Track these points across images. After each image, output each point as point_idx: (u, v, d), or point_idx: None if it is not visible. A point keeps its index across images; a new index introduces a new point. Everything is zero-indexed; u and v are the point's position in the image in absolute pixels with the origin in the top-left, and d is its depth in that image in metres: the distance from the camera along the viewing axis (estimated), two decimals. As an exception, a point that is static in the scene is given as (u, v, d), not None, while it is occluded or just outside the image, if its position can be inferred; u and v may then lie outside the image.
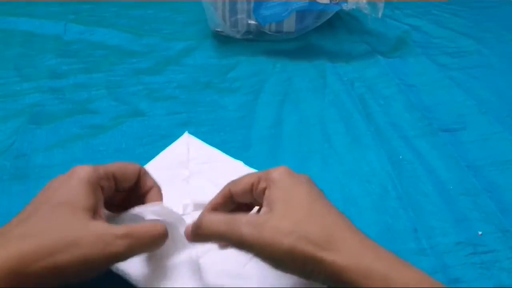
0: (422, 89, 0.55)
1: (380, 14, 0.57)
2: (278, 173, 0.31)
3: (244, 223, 0.28)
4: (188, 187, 0.41)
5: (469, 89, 0.55)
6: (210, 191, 0.39)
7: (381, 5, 0.56)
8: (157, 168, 0.42)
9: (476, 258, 0.36)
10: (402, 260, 0.27)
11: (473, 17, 0.70)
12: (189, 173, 0.42)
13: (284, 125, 0.50)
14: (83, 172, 0.30)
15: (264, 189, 0.30)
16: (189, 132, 0.47)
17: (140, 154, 0.45)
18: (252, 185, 0.32)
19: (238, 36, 0.62)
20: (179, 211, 0.38)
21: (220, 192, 0.34)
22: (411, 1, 0.74)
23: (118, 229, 0.28)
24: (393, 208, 0.41)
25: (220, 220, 0.29)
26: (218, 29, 0.63)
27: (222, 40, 0.63)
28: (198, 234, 0.30)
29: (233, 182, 0.33)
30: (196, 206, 0.39)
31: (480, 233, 0.38)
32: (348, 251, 0.26)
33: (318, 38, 0.64)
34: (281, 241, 0.26)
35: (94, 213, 0.29)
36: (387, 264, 0.26)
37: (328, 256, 0.26)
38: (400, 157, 0.45)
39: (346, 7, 0.56)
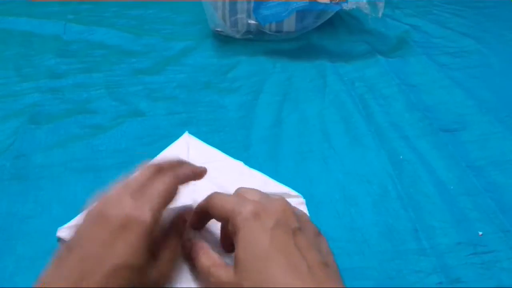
0: (422, 89, 0.55)
1: (380, 14, 0.57)
2: (242, 219, 0.28)
3: (212, 281, 0.29)
4: (188, 187, 0.40)
5: (469, 89, 0.55)
6: (210, 191, 0.39)
7: (381, 5, 0.56)
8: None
9: (477, 258, 0.36)
10: None
11: (473, 17, 0.70)
12: (189, 173, 0.41)
13: (284, 125, 0.50)
14: (142, 227, 0.27)
15: (234, 233, 0.29)
16: (189, 132, 0.47)
17: (140, 154, 0.45)
18: (223, 219, 0.31)
19: (238, 36, 0.62)
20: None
21: (200, 208, 0.33)
22: (412, 1, 0.74)
23: None
24: (393, 208, 0.40)
25: (202, 266, 0.30)
26: (218, 29, 0.63)
27: (222, 40, 0.63)
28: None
29: (208, 202, 0.32)
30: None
31: (480, 233, 0.38)
32: None
33: (318, 38, 0.64)
34: None
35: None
36: None
37: None
38: (401, 157, 0.45)
39: (346, 6, 0.56)
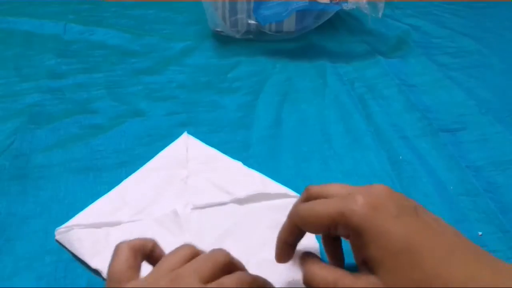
0: (422, 89, 0.55)
1: (380, 14, 0.56)
2: (359, 218, 0.25)
3: None
4: (186, 187, 0.40)
5: (469, 89, 0.55)
6: (209, 191, 0.39)
7: (381, 5, 0.56)
8: (156, 168, 0.42)
9: (476, 258, 0.36)
10: None
11: (473, 17, 0.70)
12: (188, 173, 0.42)
13: (284, 125, 0.50)
14: None
15: (348, 235, 0.26)
16: (189, 132, 0.47)
17: (139, 154, 0.45)
18: (328, 227, 0.27)
19: (238, 36, 0.62)
20: (178, 211, 0.38)
21: (286, 228, 0.29)
22: (412, 1, 0.74)
23: None
24: (393, 208, 0.40)
25: (325, 283, 0.26)
26: (218, 29, 0.63)
27: (222, 40, 0.63)
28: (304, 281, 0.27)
29: (299, 217, 0.28)
30: (195, 206, 0.39)
31: (480, 233, 0.38)
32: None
33: (318, 38, 0.64)
34: None
35: None
36: None
37: None
38: (400, 157, 0.45)
39: (346, 7, 0.56)
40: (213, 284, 0.24)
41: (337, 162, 0.45)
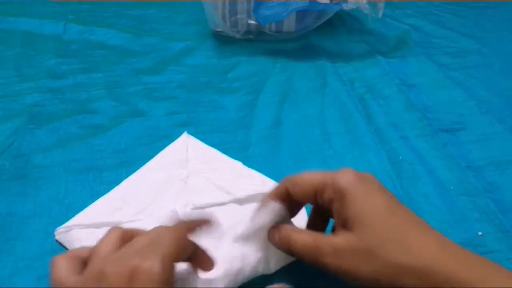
0: (422, 89, 0.55)
1: (380, 14, 0.56)
2: (346, 182, 0.28)
3: (326, 253, 0.28)
4: (186, 187, 0.40)
5: (469, 89, 0.55)
6: (209, 192, 0.39)
7: (381, 5, 0.56)
8: (156, 168, 0.42)
9: (476, 258, 0.36)
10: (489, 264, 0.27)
11: (473, 17, 0.70)
12: (188, 173, 0.42)
13: (284, 125, 0.50)
14: (151, 278, 0.23)
15: (331, 200, 0.29)
16: (189, 132, 0.47)
17: (139, 154, 0.45)
18: (315, 191, 0.30)
19: (238, 36, 0.62)
20: (177, 211, 0.38)
21: (277, 190, 0.32)
22: (412, 1, 0.73)
23: None
24: (393, 208, 0.40)
25: (305, 245, 0.29)
26: (218, 29, 0.63)
27: (222, 40, 0.63)
28: (284, 248, 0.30)
29: (291, 181, 0.31)
30: (195, 206, 0.39)
31: (480, 233, 0.38)
32: (428, 258, 0.26)
33: (318, 38, 0.64)
34: (361, 269, 0.27)
35: None
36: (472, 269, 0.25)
37: (408, 267, 0.26)
38: (400, 157, 0.45)
39: (346, 7, 0.56)
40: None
41: (337, 162, 0.45)
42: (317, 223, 0.34)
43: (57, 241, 0.37)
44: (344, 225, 0.28)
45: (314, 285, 0.34)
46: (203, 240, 0.32)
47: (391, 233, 0.26)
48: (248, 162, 0.43)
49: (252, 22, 0.60)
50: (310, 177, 0.30)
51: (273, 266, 0.33)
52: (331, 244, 0.28)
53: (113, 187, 0.41)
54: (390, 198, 0.29)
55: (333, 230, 0.30)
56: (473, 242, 0.38)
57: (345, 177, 0.28)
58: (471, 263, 0.26)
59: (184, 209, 0.38)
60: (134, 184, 0.41)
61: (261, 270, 0.33)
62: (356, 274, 0.27)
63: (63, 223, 0.37)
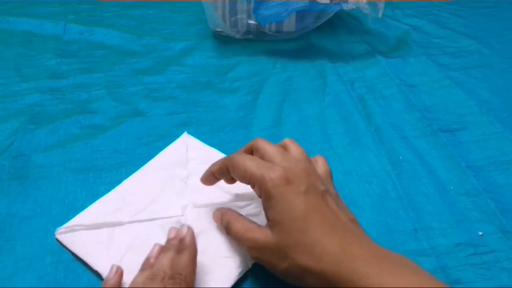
0: (422, 89, 0.55)
1: (380, 14, 0.56)
2: (272, 185, 0.31)
3: (249, 245, 0.32)
4: (186, 187, 0.40)
5: (469, 89, 0.55)
6: (209, 191, 0.39)
7: (381, 5, 0.56)
8: (156, 168, 0.42)
9: (477, 258, 0.36)
10: (401, 265, 0.29)
11: (473, 17, 0.70)
12: (188, 173, 0.42)
13: (284, 125, 0.50)
14: None
15: (260, 196, 0.32)
16: (189, 132, 0.47)
17: (139, 154, 0.45)
18: (248, 183, 0.33)
19: (238, 36, 0.62)
20: (178, 211, 0.38)
21: (220, 166, 0.35)
22: (412, 1, 0.73)
23: None
24: (393, 208, 0.40)
25: (236, 234, 0.33)
26: (218, 29, 0.63)
27: (222, 40, 0.63)
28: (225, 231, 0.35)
29: (230, 163, 0.34)
30: (195, 206, 0.39)
31: (480, 233, 0.38)
32: (332, 261, 0.29)
33: (318, 38, 0.64)
34: (276, 265, 0.31)
35: None
36: (376, 270, 0.28)
37: (317, 271, 0.29)
38: (400, 157, 0.45)
39: (346, 7, 0.56)
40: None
41: (337, 162, 0.45)
42: None
43: (57, 241, 0.37)
44: (269, 224, 0.31)
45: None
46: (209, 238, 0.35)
47: (301, 238, 0.30)
48: (248, 162, 0.43)
49: (252, 22, 0.60)
50: (245, 167, 0.32)
51: None
52: (254, 239, 0.32)
53: (113, 187, 0.41)
54: (309, 204, 0.30)
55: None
56: (473, 242, 0.38)
57: (273, 180, 0.31)
58: (368, 261, 0.28)
59: (185, 210, 0.38)
60: (134, 184, 0.41)
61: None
62: (272, 268, 0.32)
63: (63, 223, 0.37)
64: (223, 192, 0.40)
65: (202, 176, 0.38)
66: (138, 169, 0.42)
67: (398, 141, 0.47)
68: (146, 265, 0.33)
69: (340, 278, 0.28)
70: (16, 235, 0.37)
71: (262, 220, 0.37)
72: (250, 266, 0.35)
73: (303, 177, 0.31)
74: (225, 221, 0.35)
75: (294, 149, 0.35)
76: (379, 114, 0.51)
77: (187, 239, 0.33)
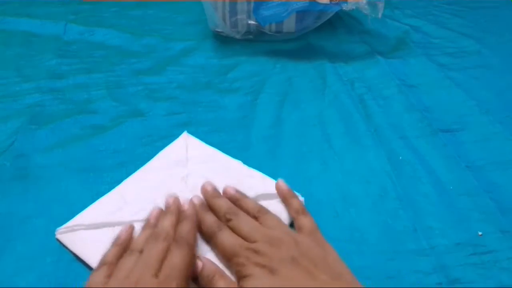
0: (422, 90, 0.55)
1: (380, 15, 0.56)
2: (247, 269, 0.31)
3: None
4: (186, 186, 0.41)
5: (469, 90, 0.55)
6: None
7: (381, 5, 0.56)
8: (156, 167, 0.42)
9: (476, 258, 0.36)
10: None
11: (473, 17, 0.70)
12: (188, 172, 0.42)
13: (284, 125, 0.50)
14: None
15: (239, 277, 0.31)
16: (189, 132, 0.47)
17: (139, 154, 0.45)
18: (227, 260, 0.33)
19: (238, 36, 0.62)
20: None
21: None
22: (411, 1, 0.74)
23: None
24: (392, 208, 0.40)
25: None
26: (218, 30, 0.63)
27: (222, 40, 0.63)
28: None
29: (215, 243, 0.34)
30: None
31: (480, 233, 0.38)
32: None
33: (318, 38, 0.64)
34: None
35: None
36: None
37: None
38: (400, 157, 0.45)
39: (346, 7, 0.56)
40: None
41: (337, 162, 0.45)
42: None
43: (57, 241, 0.37)
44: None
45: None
46: None
47: None
48: (248, 162, 0.43)
49: (252, 22, 0.60)
50: (223, 246, 0.33)
51: None
52: None
53: (113, 187, 0.41)
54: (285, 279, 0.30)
55: None
56: (473, 242, 0.38)
57: (249, 265, 0.31)
58: None
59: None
60: (134, 184, 0.41)
61: None
62: None
63: (63, 223, 0.37)
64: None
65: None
66: (138, 169, 0.42)
67: (398, 141, 0.47)
68: (147, 225, 0.35)
69: None
70: (16, 235, 0.37)
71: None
72: None
73: (278, 262, 0.31)
74: (207, 273, 0.33)
75: (269, 221, 0.35)
76: (379, 114, 0.51)
77: (188, 210, 0.34)
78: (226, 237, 0.33)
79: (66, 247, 0.36)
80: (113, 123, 0.49)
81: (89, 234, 0.37)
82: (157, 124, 0.49)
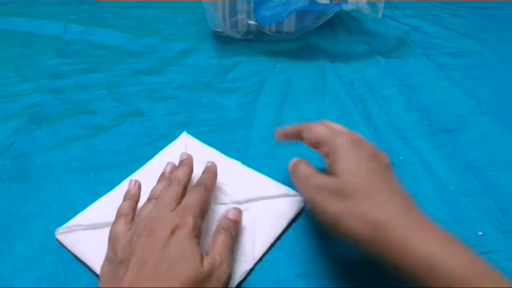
0: (422, 90, 0.55)
1: (380, 15, 0.56)
2: (341, 144, 0.34)
3: (310, 185, 0.34)
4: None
5: (469, 90, 0.55)
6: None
7: (381, 5, 0.56)
8: (155, 167, 0.42)
9: (476, 258, 0.36)
10: (455, 242, 0.30)
11: (473, 17, 0.70)
12: (189, 173, 0.42)
13: (284, 125, 0.49)
14: (187, 230, 0.31)
15: (328, 153, 0.34)
16: (189, 132, 0.47)
17: (139, 154, 0.45)
18: (317, 143, 0.36)
19: (238, 36, 0.62)
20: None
21: (293, 129, 0.39)
22: (411, 2, 0.74)
23: None
24: (393, 208, 0.40)
25: (301, 174, 0.36)
26: (218, 30, 0.63)
27: (222, 40, 0.63)
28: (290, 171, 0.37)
29: (306, 127, 0.37)
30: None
31: (480, 233, 0.38)
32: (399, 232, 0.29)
33: (318, 38, 0.64)
34: (331, 205, 0.32)
35: None
36: (433, 246, 0.29)
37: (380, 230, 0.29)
38: (400, 157, 0.45)
39: (346, 7, 0.56)
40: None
41: (337, 162, 0.45)
42: None
43: (57, 241, 0.37)
44: (332, 174, 0.33)
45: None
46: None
47: (366, 187, 0.31)
48: (248, 162, 0.43)
49: (252, 22, 0.60)
50: (319, 129, 0.36)
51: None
52: (316, 180, 0.33)
53: (113, 187, 0.41)
54: (370, 165, 0.33)
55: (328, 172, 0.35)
56: (473, 242, 0.38)
57: (343, 141, 0.34)
58: (421, 228, 0.30)
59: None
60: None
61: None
62: (324, 208, 0.32)
63: (63, 223, 0.37)
64: (223, 192, 0.40)
65: (277, 131, 0.41)
66: (138, 169, 0.42)
67: (398, 141, 0.47)
68: (162, 177, 0.38)
69: (391, 234, 0.29)
70: (16, 235, 0.37)
71: (268, 220, 0.37)
72: (251, 267, 0.35)
73: (366, 145, 0.35)
74: (291, 164, 0.37)
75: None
76: (378, 114, 0.51)
77: (211, 165, 0.39)
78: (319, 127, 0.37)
79: (66, 247, 0.36)
80: (113, 123, 0.49)
81: (89, 234, 0.37)
82: (157, 124, 0.49)
